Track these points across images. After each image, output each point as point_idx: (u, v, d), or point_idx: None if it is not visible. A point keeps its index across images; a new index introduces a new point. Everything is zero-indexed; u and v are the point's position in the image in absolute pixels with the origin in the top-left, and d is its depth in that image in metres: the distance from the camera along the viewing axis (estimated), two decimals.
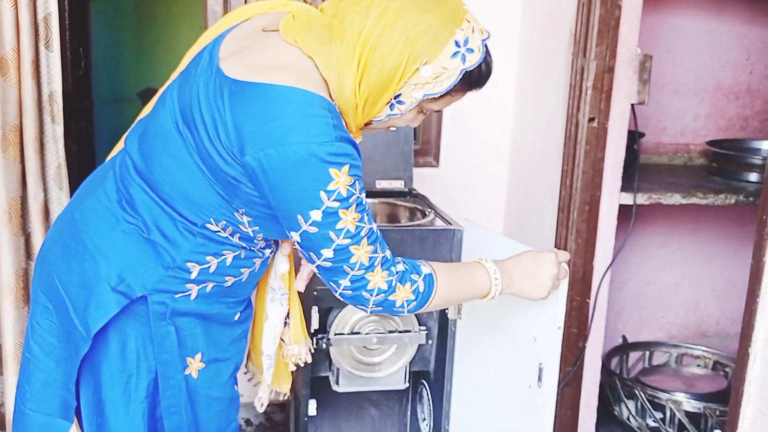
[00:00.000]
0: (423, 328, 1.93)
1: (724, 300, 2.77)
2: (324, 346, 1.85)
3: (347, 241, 1.10)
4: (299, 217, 1.08)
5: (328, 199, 1.06)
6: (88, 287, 1.18)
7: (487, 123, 2.50)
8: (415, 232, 1.81)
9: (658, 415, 2.40)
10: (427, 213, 1.96)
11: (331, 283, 1.17)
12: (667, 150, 2.65)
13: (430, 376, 2.02)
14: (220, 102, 1.08)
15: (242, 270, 1.26)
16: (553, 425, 2.16)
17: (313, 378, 1.92)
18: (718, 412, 2.23)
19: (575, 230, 2.01)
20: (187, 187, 1.14)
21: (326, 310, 1.87)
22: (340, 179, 1.06)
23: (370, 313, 1.22)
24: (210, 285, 1.23)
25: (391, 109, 1.15)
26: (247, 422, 2.51)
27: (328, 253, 1.11)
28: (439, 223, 1.89)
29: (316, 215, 1.07)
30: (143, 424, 1.22)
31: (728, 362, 2.60)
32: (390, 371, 1.94)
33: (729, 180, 2.33)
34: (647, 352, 2.76)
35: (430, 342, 1.95)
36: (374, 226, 1.16)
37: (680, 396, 2.34)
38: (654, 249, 2.71)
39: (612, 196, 2.04)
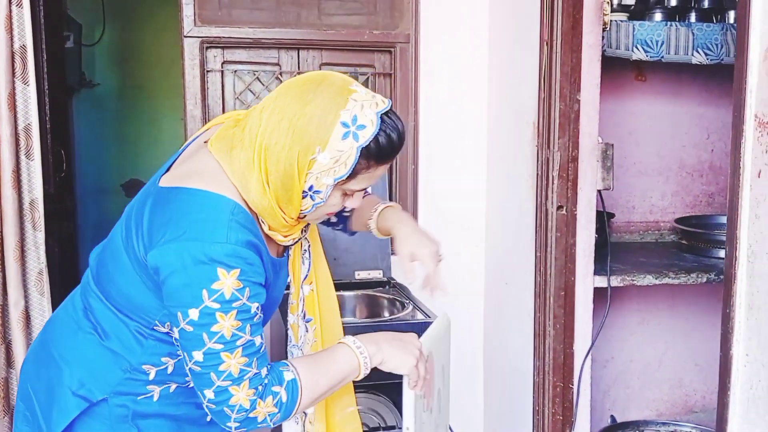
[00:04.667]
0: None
1: (708, 374, 2.78)
2: None
3: (219, 346, 1.10)
4: (179, 314, 1.10)
5: (209, 298, 1.07)
6: (52, 393, 1.23)
7: (461, 209, 2.56)
8: (393, 326, 1.82)
9: None
10: (405, 304, 1.99)
11: (198, 393, 1.16)
12: (638, 228, 2.72)
13: None
14: (145, 207, 1.15)
15: None
16: None
17: None
18: None
19: (552, 316, 2.04)
20: (129, 292, 1.19)
21: None
22: (227, 281, 1.07)
23: (235, 431, 1.17)
24: (173, 386, 1.25)
25: (313, 200, 1.17)
26: None
27: (198, 356, 1.11)
28: (418, 316, 1.91)
29: (193, 314, 1.08)
30: None
31: None
32: None
33: (699, 257, 2.39)
34: None
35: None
36: (259, 340, 1.15)
37: None
38: (633, 326, 2.74)
39: (586, 281, 2.08)
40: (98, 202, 5.75)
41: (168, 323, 1.19)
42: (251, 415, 1.15)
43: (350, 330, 1.77)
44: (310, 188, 1.15)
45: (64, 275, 3.02)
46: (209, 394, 1.13)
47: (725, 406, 1.22)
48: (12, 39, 2.08)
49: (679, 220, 2.61)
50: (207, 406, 1.15)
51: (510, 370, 2.32)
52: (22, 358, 2.12)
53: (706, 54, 2.34)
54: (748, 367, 1.17)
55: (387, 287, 2.22)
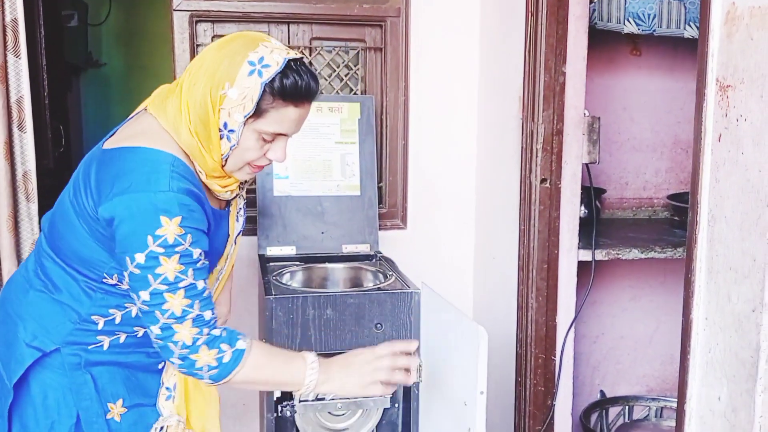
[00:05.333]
0: None
1: None
2: (288, 414, 1.87)
3: (163, 287, 1.18)
4: (127, 258, 1.18)
5: (154, 243, 1.16)
6: (10, 346, 1.32)
7: (452, 184, 2.57)
8: (372, 295, 1.85)
9: None
10: (388, 276, 2.01)
11: (147, 329, 1.23)
12: (631, 204, 2.71)
13: None
14: (90, 168, 1.23)
15: None
16: None
17: None
18: None
19: (535, 288, 2.05)
20: (78, 248, 1.26)
21: None
22: (169, 228, 1.16)
23: (178, 368, 1.24)
24: (122, 336, 1.32)
25: (229, 141, 1.25)
26: None
27: (145, 295, 1.19)
28: (398, 286, 1.93)
29: (140, 258, 1.16)
30: None
31: None
32: None
33: None
34: (626, 407, 2.76)
35: (396, 405, 1.97)
36: (202, 284, 1.22)
37: None
38: (625, 302, 2.74)
39: (570, 254, 2.08)
40: None
41: (116, 275, 1.26)
42: (192, 356, 1.21)
43: (335, 298, 1.80)
44: (225, 126, 1.23)
45: None
46: (156, 330, 1.21)
47: (686, 370, 1.22)
48: (3, 13, 2.11)
49: (672, 197, 2.60)
50: (155, 342, 1.23)
51: (496, 345, 2.33)
52: None
53: (698, 28, 2.32)
54: (707, 331, 1.18)
55: (374, 260, 2.24)
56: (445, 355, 1.70)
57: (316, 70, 2.44)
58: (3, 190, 2.14)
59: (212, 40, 2.38)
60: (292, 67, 1.23)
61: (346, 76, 2.47)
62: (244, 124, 1.24)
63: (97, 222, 1.21)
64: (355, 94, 2.47)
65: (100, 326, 1.30)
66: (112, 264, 1.25)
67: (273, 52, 1.23)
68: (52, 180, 2.99)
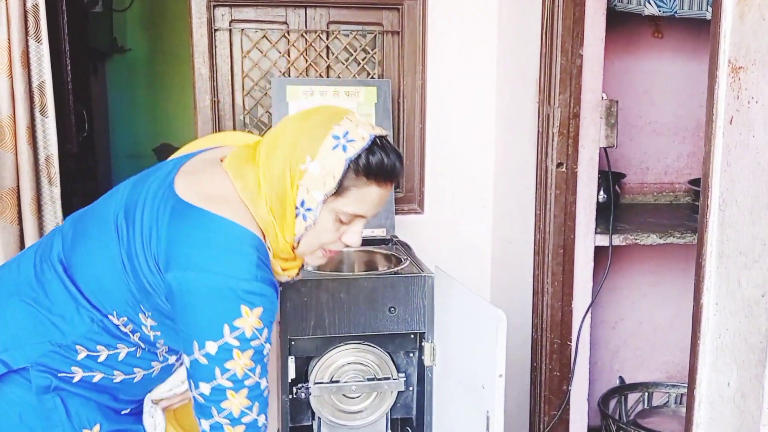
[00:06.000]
0: (402, 374, 1.95)
1: None
2: (303, 395, 1.89)
3: (228, 384, 1.09)
4: (195, 343, 1.09)
5: (230, 333, 1.07)
6: None
7: (469, 169, 2.55)
8: (386, 279, 1.85)
9: None
10: (403, 260, 2.01)
11: (195, 416, 1.15)
12: (652, 190, 2.67)
13: (413, 423, 2.04)
14: (162, 213, 1.13)
15: (135, 369, 1.25)
16: None
17: (295, 428, 1.95)
18: None
19: (551, 273, 2.04)
20: (104, 275, 1.17)
21: (304, 359, 1.92)
22: (249, 320, 1.07)
23: None
24: (98, 376, 1.21)
25: (305, 220, 1.16)
26: None
27: (205, 388, 1.10)
28: (414, 271, 1.93)
29: (211, 347, 1.08)
30: None
31: None
32: (371, 419, 1.96)
33: None
34: (646, 393, 2.74)
35: (410, 389, 1.98)
36: (264, 383, 1.14)
37: None
38: (645, 288, 2.71)
39: (587, 238, 2.07)
40: (131, 166, 5.89)
41: (125, 317, 1.18)
42: None
43: (349, 281, 1.80)
44: (302, 203, 1.14)
45: None
46: (204, 425, 1.13)
47: (696, 355, 1.21)
48: None
49: (693, 182, 2.56)
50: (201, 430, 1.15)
51: (512, 330, 2.33)
52: None
53: None
54: (717, 316, 1.17)
55: (389, 245, 2.25)
56: (461, 338, 1.71)
57: (332, 54, 2.44)
58: (26, 174, 2.18)
59: (230, 25, 2.39)
60: (378, 143, 1.15)
61: (363, 60, 2.46)
62: (323, 202, 1.14)
63: (152, 275, 1.12)
64: (372, 78, 2.47)
65: (80, 357, 1.18)
66: (130, 308, 1.16)
67: (359, 126, 1.15)
68: (76, 163, 3.04)
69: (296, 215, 1.15)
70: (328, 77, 2.45)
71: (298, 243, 1.19)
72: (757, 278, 1.06)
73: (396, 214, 2.38)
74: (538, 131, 2.04)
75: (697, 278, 1.22)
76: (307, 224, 1.16)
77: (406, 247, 2.20)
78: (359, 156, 1.13)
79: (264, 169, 1.15)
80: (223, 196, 1.14)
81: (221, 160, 1.22)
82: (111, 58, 5.64)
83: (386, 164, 1.15)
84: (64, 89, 2.90)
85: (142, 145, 5.90)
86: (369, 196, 1.16)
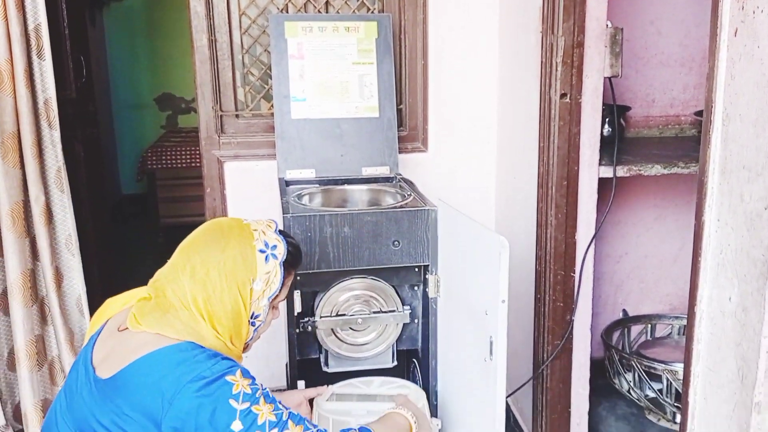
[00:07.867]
0: (407, 307, 1.98)
1: None
2: (310, 328, 1.92)
3: (275, 430, 1.19)
4: None
5: (238, 402, 1.17)
6: None
7: (472, 105, 2.53)
8: (389, 213, 1.86)
9: (657, 386, 2.41)
10: (406, 196, 2.01)
11: None
12: (657, 122, 2.64)
13: (419, 354, 2.07)
14: (111, 403, 1.19)
15: None
16: (544, 398, 2.19)
17: (303, 360, 1.98)
18: None
19: (554, 205, 2.04)
20: None
21: (310, 293, 1.94)
22: (240, 381, 1.19)
23: None
24: None
25: (254, 326, 1.35)
26: None
27: None
28: (418, 205, 1.93)
29: (237, 426, 1.16)
30: None
31: None
32: (377, 351, 2.00)
33: None
34: (649, 325, 2.77)
35: (416, 321, 2.00)
36: (289, 409, 1.26)
37: (677, 366, 2.35)
38: (650, 221, 2.71)
39: (591, 170, 2.05)
40: (134, 116, 5.87)
41: None
42: None
43: (353, 216, 1.81)
44: (253, 315, 1.34)
45: (90, 175, 3.13)
46: None
47: (697, 272, 1.22)
48: None
49: (699, 113, 2.53)
50: None
51: (516, 262, 2.34)
52: (48, 255, 2.24)
53: None
54: (719, 232, 1.16)
55: (393, 182, 2.24)
56: (464, 268, 1.72)
57: None
58: (26, 117, 2.18)
59: None
60: (283, 234, 1.38)
61: None
62: (270, 305, 1.36)
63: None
64: (372, 12, 2.42)
65: None
66: None
67: (266, 233, 1.35)
68: (76, 109, 3.02)
69: (250, 325, 1.35)
70: (327, 12, 2.40)
71: (247, 344, 1.40)
72: (760, 191, 1.06)
73: (400, 152, 2.37)
74: (542, 62, 2.01)
75: (699, 195, 1.22)
76: (256, 327, 1.37)
77: (410, 184, 2.19)
78: (285, 256, 1.36)
79: (207, 308, 1.26)
80: (140, 344, 1.23)
81: (119, 330, 1.30)
82: (108, 6, 5.55)
83: (299, 250, 1.46)
84: (61, 34, 2.86)
85: (143, 95, 5.86)
86: (290, 280, 1.43)
